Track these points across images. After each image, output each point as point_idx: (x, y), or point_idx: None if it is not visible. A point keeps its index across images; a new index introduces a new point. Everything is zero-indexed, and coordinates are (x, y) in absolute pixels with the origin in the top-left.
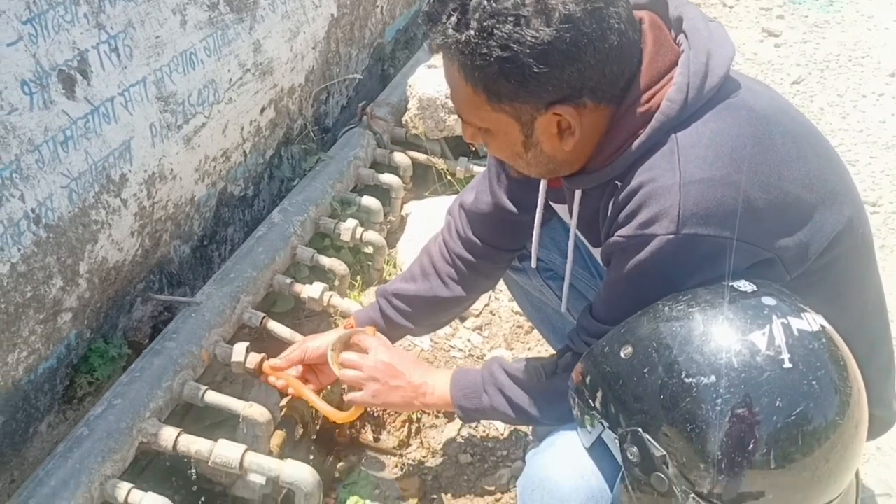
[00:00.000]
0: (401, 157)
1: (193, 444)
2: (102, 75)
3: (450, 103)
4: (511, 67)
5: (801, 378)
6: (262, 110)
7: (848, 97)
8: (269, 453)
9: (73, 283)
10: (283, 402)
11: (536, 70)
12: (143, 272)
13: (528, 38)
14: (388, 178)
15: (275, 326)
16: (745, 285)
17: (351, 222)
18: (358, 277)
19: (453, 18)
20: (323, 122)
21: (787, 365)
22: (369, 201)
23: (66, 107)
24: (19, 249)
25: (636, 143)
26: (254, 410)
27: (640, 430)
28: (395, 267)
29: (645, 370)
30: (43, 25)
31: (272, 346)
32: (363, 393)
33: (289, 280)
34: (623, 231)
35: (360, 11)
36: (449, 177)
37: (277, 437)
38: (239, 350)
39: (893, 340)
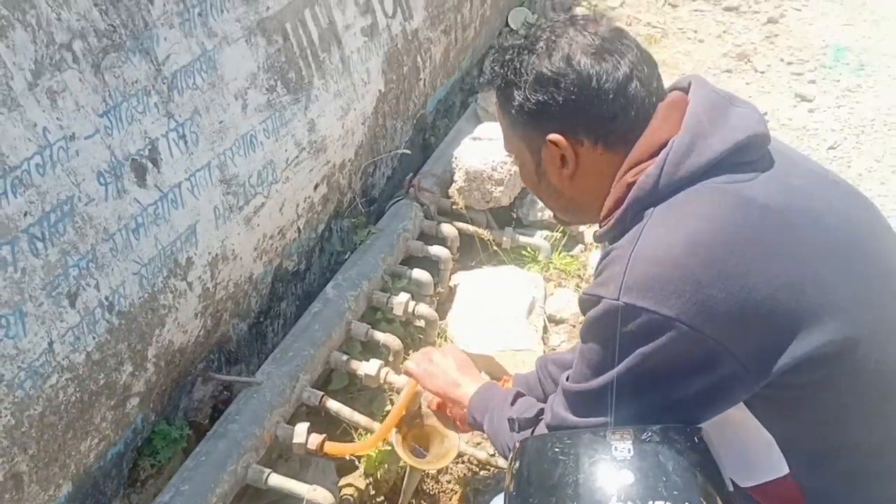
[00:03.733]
0: (448, 229)
1: None
2: (171, 162)
3: (496, 175)
4: (518, 93)
5: None
6: (316, 187)
7: (886, 162)
8: None
9: (141, 367)
10: (342, 481)
11: (532, 97)
12: (204, 352)
13: (531, 67)
14: (436, 249)
15: (333, 405)
16: (621, 450)
17: (403, 296)
18: (410, 351)
19: (497, 52)
20: (370, 194)
21: None
22: (420, 274)
23: (137, 195)
24: (94, 338)
25: (618, 213)
26: (318, 494)
27: None
28: (445, 340)
29: (514, 493)
30: (117, 117)
31: (328, 421)
32: (415, 365)
33: (345, 357)
34: (585, 290)
35: (405, 85)
36: (495, 247)
37: None
38: (300, 431)
39: None
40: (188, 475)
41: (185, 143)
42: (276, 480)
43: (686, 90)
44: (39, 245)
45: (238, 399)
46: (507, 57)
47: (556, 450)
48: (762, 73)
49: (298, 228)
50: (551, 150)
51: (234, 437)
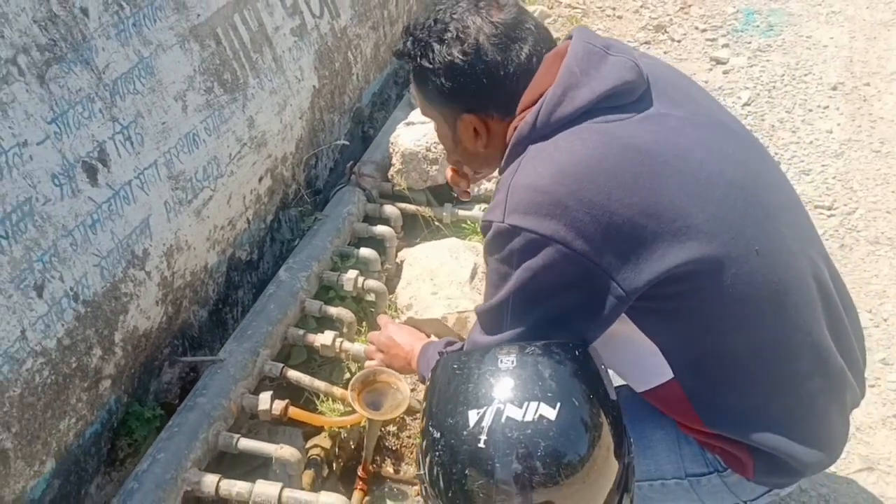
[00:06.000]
0: (390, 209)
1: (234, 487)
2: (119, 162)
3: (430, 155)
4: (432, 77)
5: (487, 457)
6: (260, 179)
7: (796, 113)
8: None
9: (110, 351)
10: (308, 444)
11: (446, 83)
12: (168, 337)
13: (444, 57)
14: (381, 229)
15: (294, 374)
16: (506, 362)
17: (352, 273)
18: (363, 323)
19: (408, 35)
20: (314, 185)
21: (481, 444)
22: (366, 252)
23: (91, 193)
24: (63, 325)
25: (507, 153)
26: (285, 451)
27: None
28: (396, 311)
29: (425, 405)
30: (65, 123)
31: (292, 392)
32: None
33: (301, 331)
34: (482, 217)
35: (339, 80)
36: (436, 223)
37: (307, 476)
38: (265, 398)
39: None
40: (163, 445)
41: (132, 143)
42: (246, 444)
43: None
44: (4, 243)
45: (204, 376)
46: (420, 38)
47: (455, 366)
48: (678, 41)
49: (248, 219)
50: (465, 125)
51: (204, 409)
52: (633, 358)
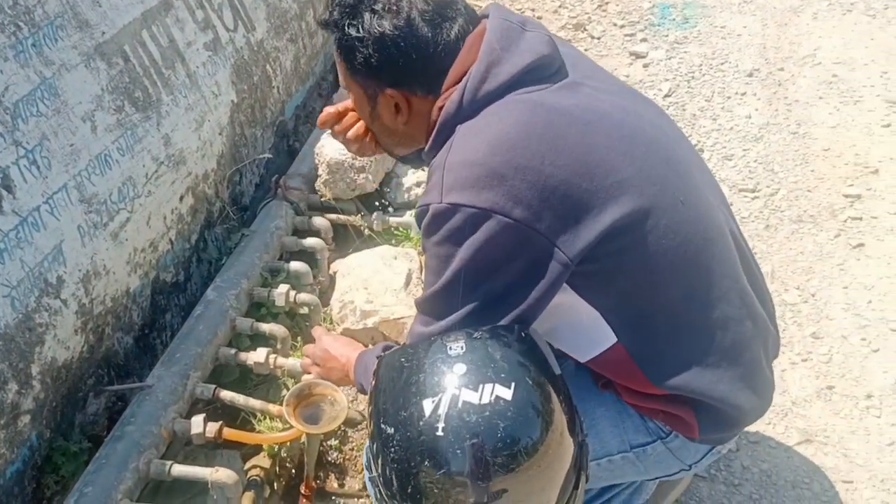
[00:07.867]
0: (320, 221)
1: None
2: (25, 187)
3: (357, 163)
4: (360, 47)
5: (447, 445)
6: (181, 198)
7: (715, 101)
8: None
9: (27, 385)
10: (248, 465)
11: (374, 54)
12: (92, 367)
13: (374, 27)
14: (311, 241)
15: (227, 395)
16: (455, 349)
17: (283, 287)
18: (298, 339)
19: (337, 3)
20: (240, 202)
21: (440, 433)
22: (297, 265)
23: None
24: None
25: (433, 133)
26: (221, 474)
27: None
28: (331, 323)
29: (371, 406)
30: None
31: (227, 414)
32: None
33: (233, 350)
34: (416, 205)
35: (259, 94)
36: (368, 231)
37: (247, 498)
38: (197, 422)
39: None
40: (91, 478)
41: (38, 168)
42: (180, 470)
43: (485, 16)
44: None
45: (132, 404)
46: (350, 6)
47: (402, 359)
48: (598, 38)
49: (170, 240)
50: (387, 100)
51: (132, 438)
52: (576, 327)
